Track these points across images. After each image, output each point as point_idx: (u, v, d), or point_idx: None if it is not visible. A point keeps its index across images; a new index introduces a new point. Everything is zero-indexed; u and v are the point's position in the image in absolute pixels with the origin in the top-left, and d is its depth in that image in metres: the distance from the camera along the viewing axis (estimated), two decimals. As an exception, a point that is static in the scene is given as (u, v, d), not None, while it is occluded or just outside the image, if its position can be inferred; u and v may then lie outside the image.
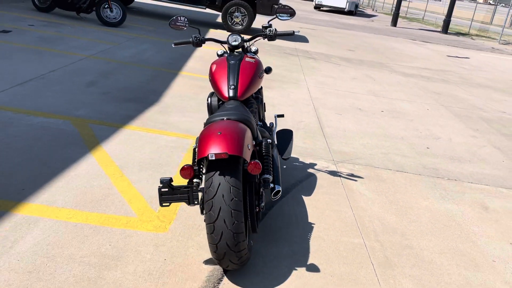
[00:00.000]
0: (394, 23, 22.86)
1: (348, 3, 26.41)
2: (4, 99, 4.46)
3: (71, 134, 3.90)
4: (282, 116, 3.67)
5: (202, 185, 2.89)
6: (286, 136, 3.46)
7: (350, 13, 27.58)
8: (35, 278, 2.19)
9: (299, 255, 2.70)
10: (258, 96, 3.27)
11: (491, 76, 10.90)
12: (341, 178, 3.88)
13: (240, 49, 3.23)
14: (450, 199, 3.79)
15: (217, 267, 2.47)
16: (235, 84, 2.81)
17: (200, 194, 2.51)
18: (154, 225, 2.78)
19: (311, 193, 3.51)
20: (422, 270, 2.73)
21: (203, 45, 3.27)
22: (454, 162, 4.67)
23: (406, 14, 34.86)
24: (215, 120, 2.48)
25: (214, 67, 2.98)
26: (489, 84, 9.69)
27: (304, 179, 3.73)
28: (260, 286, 2.38)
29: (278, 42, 11.04)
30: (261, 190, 2.54)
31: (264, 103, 3.63)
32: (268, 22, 3.37)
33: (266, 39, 3.30)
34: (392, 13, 24.33)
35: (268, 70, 3.35)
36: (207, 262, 2.50)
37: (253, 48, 3.32)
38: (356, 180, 3.87)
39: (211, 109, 3.02)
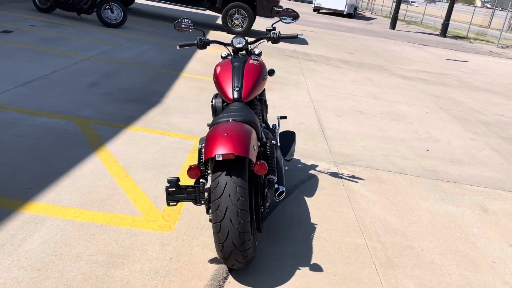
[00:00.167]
0: (393, 26, 22.96)
1: (347, 6, 26.53)
2: (8, 99, 4.49)
3: (74, 134, 3.94)
4: (284, 118, 3.71)
5: (208, 185, 2.93)
6: (288, 138, 3.50)
7: (349, 15, 27.69)
8: (43, 276, 2.23)
9: (302, 255, 2.74)
10: (261, 98, 3.32)
11: (489, 79, 10.98)
12: (342, 179, 3.92)
13: (244, 52, 3.27)
14: (450, 201, 3.84)
15: (222, 266, 2.51)
16: (239, 86, 2.85)
17: (206, 194, 2.55)
18: (159, 224, 2.82)
19: (313, 194, 3.56)
20: (423, 270, 2.78)
21: (207, 47, 3.31)
22: (453, 164, 4.72)
23: (404, 17, 35.03)
24: (221, 121, 2.52)
25: (218, 69, 3.02)
26: (487, 88, 9.76)
27: (306, 180, 3.78)
28: (265, 285, 2.42)
29: (278, 44, 11.08)
30: (266, 190, 2.58)
31: (267, 105, 3.67)
32: (272, 25, 3.42)
33: (269, 42, 3.34)
34: (391, 16, 24.44)
35: (272, 72, 3.39)
36: (212, 261, 2.54)
37: (256, 51, 3.36)
38: (357, 182, 3.91)
39: (215, 111, 3.06)
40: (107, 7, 9.52)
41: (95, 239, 2.57)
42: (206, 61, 7.87)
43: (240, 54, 3.19)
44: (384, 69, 10.04)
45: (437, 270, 2.80)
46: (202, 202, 2.37)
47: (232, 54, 3.23)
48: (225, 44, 3.29)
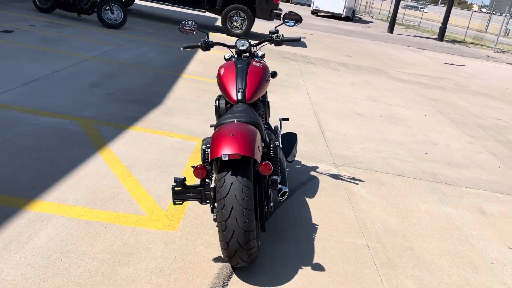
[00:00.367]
0: (391, 29, 23.08)
1: (345, 9, 26.65)
2: (10, 98, 4.51)
3: (77, 134, 3.97)
4: (286, 119, 3.75)
5: (212, 185, 2.96)
6: (290, 139, 3.54)
7: (347, 19, 27.80)
8: (51, 273, 2.26)
9: (304, 255, 2.78)
10: (264, 100, 3.36)
11: (486, 83, 11.07)
12: (343, 181, 3.96)
13: (247, 54, 3.31)
14: (449, 203, 3.89)
15: (226, 264, 2.55)
16: (243, 87, 2.89)
17: (211, 194, 2.58)
18: (163, 223, 2.85)
19: (314, 195, 3.60)
20: (423, 270, 2.82)
21: (211, 49, 3.35)
22: (452, 167, 4.77)
23: (402, 21, 35.19)
24: (226, 122, 2.56)
25: (222, 70, 3.06)
26: (484, 92, 9.84)
27: (307, 182, 3.82)
28: (268, 283, 2.46)
29: (277, 47, 11.12)
30: (270, 190, 2.62)
31: (269, 107, 3.71)
32: (275, 28, 3.46)
33: (272, 44, 3.38)
34: (389, 19, 24.56)
35: (274, 74, 3.43)
36: (216, 260, 2.58)
37: (259, 53, 3.40)
38: (357, 184, 3.96)
39: (218, 112, 3.10)
40: (107, 8, 9.55)
41: (100, 237, 2.60)
42: (206, 63, 7.91)
43: (244, 56, 3.23)
44: (383, 73, 10.11)
45: (437, 271, 2.84)
46: (208, 201, 2.41)
47: (236, 56, 3.27)
48: (229, 46, 3.33)
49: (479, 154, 5.39)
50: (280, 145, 3.40)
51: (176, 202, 2.39)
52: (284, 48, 11.33)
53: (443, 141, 5.63)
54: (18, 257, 2.33)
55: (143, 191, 3.21)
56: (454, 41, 23.70)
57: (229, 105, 3.05)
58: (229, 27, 11.58)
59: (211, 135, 4.30)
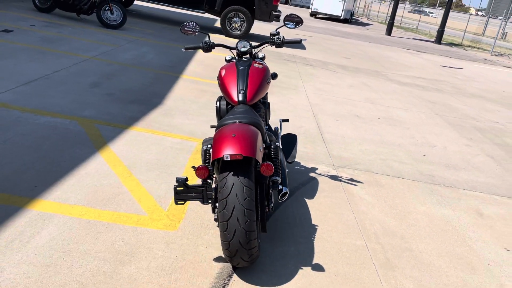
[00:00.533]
0: (389, 32, 23.16)
1: (343, 11, 26.73)
2: (11, 97, 4.52)
3: (78, 134, 3.98)
4: (287, 121, 3.77)
5: (213, 185, 2.98)
6: (290, 140, 3.56)
7: (345, 21, 27.89)
8: (53, 272, 2.27)
9: (304, 255, 2.80)
10: (265, 101, 3.38)
11: (483, 86, 11.12)
12: (342, 182, 3.99)
13: (248, 55, 3.33)
14: (447, 205, 3.92)
15: (227, 264, 2.57)
16: (244, 89, 2.91)
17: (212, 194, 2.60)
18: (164, 223, 2.87)
19: (314, 196, 3.62)
20: (421, 271, 2.85)
21: (212, 50, 3.38)
22: (449, 169, 4.81)
23: (400, 23, 35.30)
24: (227, 123, 2.58)
25: (223, 72, 3.08)
26: (482, 95, 9.90)
27: (306, 183, 3.84)
28: (268, 283, 2.48)
29: (276, 48, 11.16)
30: (270, 191, 2.64)
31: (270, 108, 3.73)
32: (276, 30, 3.48)
33: (273, 46, 3.40)
34: (387, 22, 24.64)
35: (274, 76, 3.45)
36: (217, 259, 2.59)
37: (260, 55, 3.42)
38: (356, 185, 3.99)
39: (219, 113, 3.12)
40: (107, 8, 9.56)
41: (102, 237, 2.62)
42: (206, 64, 7.93)
43: (244, 58, 3.25)
44: (381, 75, 10.15)
45: (435, 272, 2.87)
46: (209, 201, 2.43)
47: (237, 57, 3.29)
48: (230, 48, 3.35)
49: (476, 156, 5.43)
50: (280, 146, 3.42)
51: (178, 202, 2.41)
52: (282, 49, 11.36)
53: (441, 144, 5.67)
54: (20, 256, 2.34)
55: (144, 191, 3.23)
56: (451, 44, 23.80)
57: (230, 106, 3.07)
58: (228, 29, 11.61)
59: (211, 136, 4.32)
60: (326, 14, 27.41)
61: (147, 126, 4.47)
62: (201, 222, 2.96)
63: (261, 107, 3.12)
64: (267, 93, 3.54)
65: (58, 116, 4.28)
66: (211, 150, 2.59)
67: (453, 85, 10.54)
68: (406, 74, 10.98)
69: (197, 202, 3.17)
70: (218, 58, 8.65)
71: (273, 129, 3.49)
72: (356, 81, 8.90)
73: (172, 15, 14.72)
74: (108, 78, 5.88)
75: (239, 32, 11.65)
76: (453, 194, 4.18)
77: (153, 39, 9.43)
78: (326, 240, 3.01)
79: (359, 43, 16.39)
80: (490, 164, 5.23)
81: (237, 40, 10.73)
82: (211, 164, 2.49)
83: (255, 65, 3.11)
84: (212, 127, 3.24)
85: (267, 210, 2.62)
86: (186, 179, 2.39)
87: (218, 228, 2.90)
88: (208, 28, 12.73)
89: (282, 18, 15.05)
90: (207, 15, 15.95)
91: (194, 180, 3.49)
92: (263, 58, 3.41)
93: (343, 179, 4.05)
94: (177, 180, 2.37)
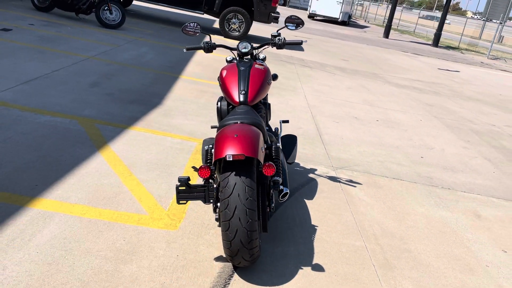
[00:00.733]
0: (387, 34, 23.24)
1: (341, 14, 26.80)
2: (11, 96, 4.52)
3: (78, 133, 3.98)
4: (287, 122, 3.79)
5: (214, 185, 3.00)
6: (290, 141, 3.58)
7: (343, 23, 27.96)
8: (55, 270, 2.28)
9: (304, 255, 2.81)
10: (265, 102, 3.40)
11: (480, 89, 11.19)
12: (341, 183, 4.01)
13: (249, 56, 3.35)
14: (445, 206, 3.94)
15: (228, 264, 2.58)
16: (245, 89, 2.93)
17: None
18: (164, 223, 2.88)
19: (313, 197, 3.64)
20: (420, 272, 2.87)
21: (213, 50, 3.39)
22: (447, 171, 4.84)
23: (397, 26, 35.43)
24: (229, 123, 2.60)
25: (224, 72, 3.09)
26: (479, 98, 9.95)
27: (305, 184, 3.86)
28: (269, 283, 2.49)
29: (274, 50, 11.20)
30: (271, 191, 2.65)
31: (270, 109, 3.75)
32: (277, 31, 3.50)
33: (274, 47, 3.42)
34: (384, 24, 24.73)
35: (275, 77, 3.48)
36: (218, 259, 2.61)
37: (261, 56, 3.44)
38: (355, 186, 4.01)
39: (220, 113, 3.13)
40: (105, 8, 9.56)
41: (103, 236, 2.63)
42: (205, 64, 7.94)
43: (245, 59, 3.26)
44: (379, 77, 10.19)
45: (434, 273, 2.89)
46: (211, 201, 2.45)
47: (237, 58, 3.31)
48: (231, 49, 3.37)
49: (474, 159, 5.46)
50: (281, 147, 3.44)
51: (180, 202, 2.42)
52: (281, 51, 11.38)
53: (438, 146, 5.70)
54: (22, 254, 2.35)
55: (144, 190, 3.24)
56: (448, 47, 23.91)
57: (231, 106, 3.09)
58: (227, 30, 11.63)
59: (211, 136, 4.33)
60: (324, 16, 27.48)
61: (147, 126, 4.48)
62: (201, 221, 2.97)
63: (262, 108, 3.14)
64: (267, 94, 3.56)
65: (58, 116, 4.28)
66: (213, 150, 2.60)
67: (451, 88, 10.60)
68: (404, 76, 11.02)
69: (197, 202, 3.18)
70: (217, 59, 8.67)
71: (273, 130, 3.51)
72: (354, 83, 8.94)
73: (171, 16, 14.73)
74: (107, 78, 5.88)
75: (237, 33, 11.67)
76: (451, 196, 4.21)
77: (152, 39, 9.43)
78: (326, 241, 3.03)
79: (357, 45, 16.44)
80: (487, 166, 5.27)
81: (238, 41, 10.77)
82: (213, 164, 2.50)
83: (256, 66, 3.13)
84: (212, 127, 3.25)
85: (268, 210, 2.63)
86: (188, 178, 2.40)
87: (218, 228, 2.91)
88: (207, 29, 12.74)
89: (280, 19, 15.08)
90: (205, 16, 15.97)
91: (195, 180, 3.50)
92: (264, 59, 3.43)
93: (342, 180, 4.07)
94: (179, 180, 2.38)
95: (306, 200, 3.56)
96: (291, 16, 3.60)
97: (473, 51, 24.71)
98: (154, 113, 4.88)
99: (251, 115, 2.70)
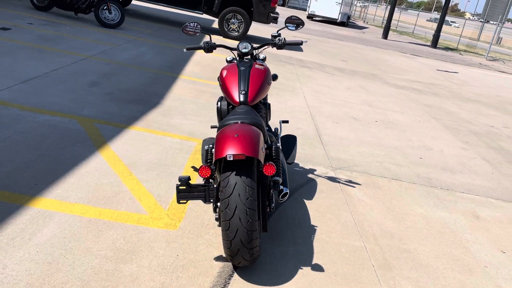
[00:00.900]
0: (385, 35, 23.27)
1: (340, 14, 26.82)
2: (10, 96, 4.52)
3: (77, 133, 3.98)
4: (286, 122, 3.79)
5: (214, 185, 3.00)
6: (290, 142, 3.59)
7: (342, 24, 27.98)
8: (55, 269, 2.28)
9: (304, 255, 2.82)
10: (265, 102, 3.40)
11: (479, 91, 11.21)
12: (340, 184, 4.02)
13: (249, 56, 3.35)
14: (444, 207, 3.95)
15: (228, 263, 2.58)
16: (245, 89, 2.93)
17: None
18: (164, 222, 2.88)
19: (312, 197, 3.64)
20: (419, 272, 2.88)
21: (213, 51, 3.39)
22: (446, 172, 4.85)
23: (396, 27, 35.48)
24: (229, 123, 2.60)
25: (225, 72, 3.09)
26: (477, 99, 9.97)
27: (305, 184, 3.87)
28: (269, 283, 2.50)
29: (273, 50, 11.21)
30: (271, 191, 2.66)
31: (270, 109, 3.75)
32: (278, 32, 3.51)
33: (274, 48, 3.42)
34: (383, 25, 24.77)
35: (275, 77, 3.48)
36: (217, 259, 2.61)
37: (261, 56, 3.45)
38: (354, 187, 4.01)
39: (220, 113, 3.14)
40: (105, 8, 9.56)
41: (103, 235, 2.63)
42: (204, 64, 7.94)
43: (246, 59, 3.26)
44: (378, 78, 10.21)
45: (433, 273, 2.90)
46: (211, 200, 2.45)
47: (238, 58, 3.31)
48: (231, 49, 3.37)
49: (472, 160, 5.48)
50: (280, 147, 3.44)
51: (180, 201, 2.43)
52: (280, 51, 11.39)
53: (437, 147, 5.71)
54: (22, 253, 2.35)
55: (144, 190, 3.24)
56: (447, 49, 23.95)
57: (231, 106, 3.09)
58: (226, 30, 11.63)
59: (210, 136, 4.33)
60: (323, 17, 27.50)
61: (147, 125, 4.48)
62: (201, 221, 2.97)
63: (262, 108, 3.15)
64: (267, 94, 3.56)
65: (58, 115, 4.28)
66: (213, 150, 2.60)
67: (449, 89, 10.62)
68: (403, 77, 11.04)
69: (197, 202, 3.19)
70: (216, 59, 8.67)
71: (273, 130, 3.51)
72: (353, 83, 8.95)
73: (170, 16, 14.72)
74: (107, 77, 5.88)
75: (236, 33, 11.68)
76: (449, 196, 4.22)
77: (151, 39, 9.43)
78: (325, 241, 3.03)
79: (355, 46, 16.46)
80: (486, 167, 5.28)
81: (237, 41, 10.77)
82: (214, 163, 2.51)
83: (256, 66, 3.13)
84: (212, 127, 3.25)
85: (268, 210, 2.64)
86: (189, 178, 2.40)
87: (218, 228, 2.92)
88: (206, 29, 12.74)
89: (280, 20, 15.09)
90: (205, 16, 15.97)
91: (195, 180, 3.50)
92: (264, 59, 3.43)
93: (341, 181, 4.08)
94: (180, 179, 2.38)
95: (305, 200, 3.56)
96: (291, 16, 3.61)
97: (471, 52, 24.76)
98: (153, 113, 4.88)
99: (251, 115, 2.70)
